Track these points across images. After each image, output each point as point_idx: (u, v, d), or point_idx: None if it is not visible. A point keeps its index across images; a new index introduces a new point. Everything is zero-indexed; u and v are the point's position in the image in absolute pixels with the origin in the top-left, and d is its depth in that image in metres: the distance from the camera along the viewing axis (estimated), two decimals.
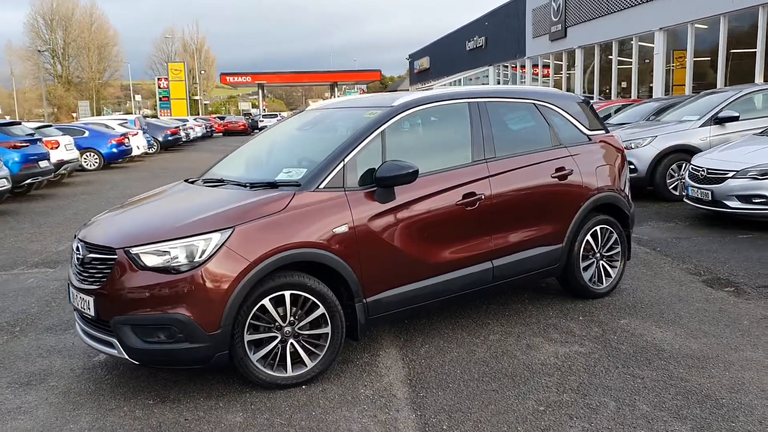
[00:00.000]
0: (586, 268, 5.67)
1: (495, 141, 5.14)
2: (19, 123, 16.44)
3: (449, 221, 4.78)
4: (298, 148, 5.30)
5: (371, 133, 4.64)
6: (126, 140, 22.37)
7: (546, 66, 32.10)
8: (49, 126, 18.80)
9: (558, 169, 5.39)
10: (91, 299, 4.14)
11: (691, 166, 9.25)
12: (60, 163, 16.62)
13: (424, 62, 56.86)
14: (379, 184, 4.44)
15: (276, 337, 4.16)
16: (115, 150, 21.51)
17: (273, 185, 4.47)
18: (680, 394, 3.93)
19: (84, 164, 21.21)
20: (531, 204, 5.24)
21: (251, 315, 4.06)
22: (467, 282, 4.91)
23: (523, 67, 34.32)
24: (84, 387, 4.37)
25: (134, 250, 3.97)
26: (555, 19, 29.23)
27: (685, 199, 9.28)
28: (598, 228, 5.68)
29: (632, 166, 10.79)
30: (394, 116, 4.78)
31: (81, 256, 4.28)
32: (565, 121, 5.67)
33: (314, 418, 3.81)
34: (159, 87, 64.75)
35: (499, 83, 38.67)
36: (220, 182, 4.85)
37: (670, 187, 10.89)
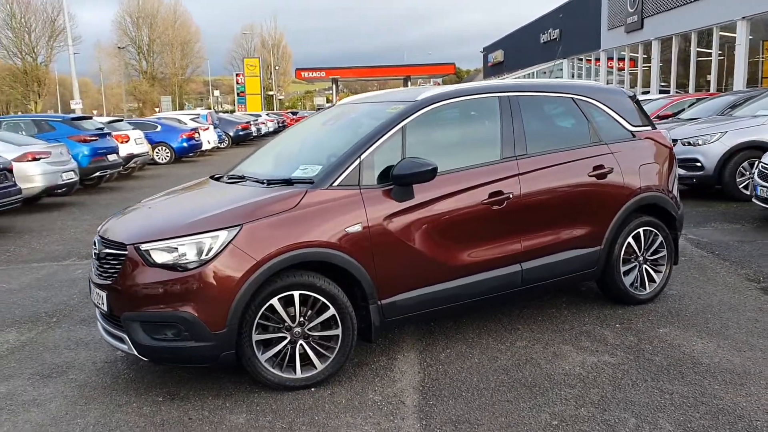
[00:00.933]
0: (626, 273, 5.36)
1: (527, 137, 4.90)
2: (90, 117, 17.04)
3: (473, 221, 4.58)
4: (320, 143, 5.18)
5: (391, 129, 4.49)
6: (196, 135, 22.87)
7: (621, 59, 31.03)
8: (121, 120, 19.42)
9: (596, 168, 5.09)
10: (104, 294, 4.15)
11: (761, 164, 8.67)
12: (129, 157, 17.12)
13: (498, 55, 56.04)
14: (396, 182, 4.29)
15: (285, 338, 4.07)
16: (185, 144, 22.02)
17: (288, 182, 4.38)
18: (710, 413, 3.63)
19: (156, 158, 21.82)
20: (565, 204, 4.97)
21: (260, 315, 3.98)
22: (492, 285, 4.70)
23: (597, 60, 33.30)
24: (101, 381, 4.40)
25: (144, 246, 3.95)
26: (631, 9, 28.21)
27: (753, 200, 8.71)
28: (641, 230, 5.35)
29: (699, 164, 10.30)
30: (417, 111, 4.61)
31: (98, 252, 4.30)
32: (607, 117, 5.36)
33: (316, 423, 3.70)
34: (237, 83, 66.17)
35: (573, 77, 37.72)
36: (240, 179, 4.79)
37: (740, 186, 10.26)
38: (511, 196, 4.67)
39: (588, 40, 33.65)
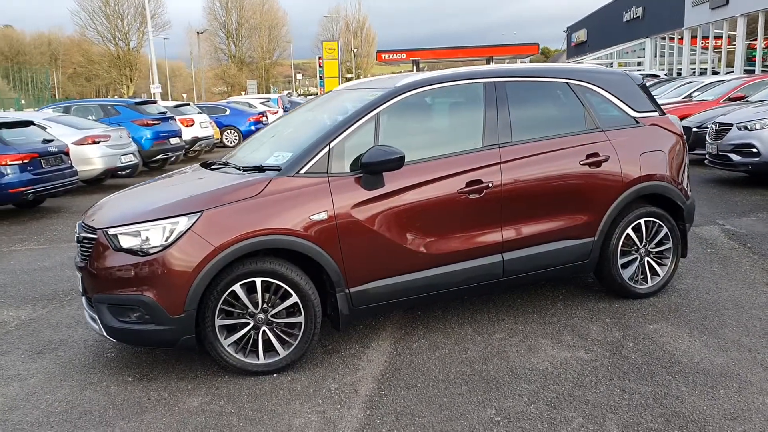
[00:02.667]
0: (625, 265, 5.15)
1: (513, 124, 4.76)
2: (154, 102, 17.65)
3: (449, 210, 4.50)
4: (300, 130, 5.19)
5: (363, 117, 4.46)
6: (264, 118, 23.31)
7: (705, 37, 29.53)
8: (187, 105, 20.01)
9: (590, 156, 4.90)
10: (80, 276, 4.33)
11: None
12: (194, 140, 17.65)
13: (581, 35, 54.37)
14: (365, 170, 4.26)
15: (248, 324, 4.13)
16: (252, 128, 22.46)
17: (260, 169, 4.42)
18: (663, 416, 3.47)
19: (225, 140, 22.41)
20: (553, 193, 4.81)
21: (222, 300, 4.05)
22: (470, 276, 4.61)
23: (681, 38, 31.81)
24: (84, 359, 4.60)
25: (111, 231, 4.09)
26: None
27: None
28: (642, 221, 5.12)
29: (755, 149, 9.72)
30: (392, 98, 4.56)
31: (77, 235, 4.47)
32: (607, 102, 5.14)
33: (265, 409, 3.75)
34: (319, 66, 66.86)
35: (656, 56, 36.19)
36: (224, 165, 4.87)
37: None
38: (490, 185, 4.56)
39: (672, 17, 32.16)
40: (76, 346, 4.82)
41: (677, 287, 5.46)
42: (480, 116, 4.74)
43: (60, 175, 10.61)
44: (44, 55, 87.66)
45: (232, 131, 22.59)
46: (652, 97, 5.39)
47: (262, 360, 4.16)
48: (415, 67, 69.28)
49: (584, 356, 4.24)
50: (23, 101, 53.81)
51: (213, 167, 4.91)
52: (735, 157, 9.95)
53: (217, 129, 20.93)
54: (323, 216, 4.17)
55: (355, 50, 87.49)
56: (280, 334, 4.19)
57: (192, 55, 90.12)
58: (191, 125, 17.56)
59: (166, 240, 3.96)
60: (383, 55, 67.36)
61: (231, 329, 4.14)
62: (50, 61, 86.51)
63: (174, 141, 15.67)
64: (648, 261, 5.22)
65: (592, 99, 5.08)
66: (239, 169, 4.57)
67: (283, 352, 4.18)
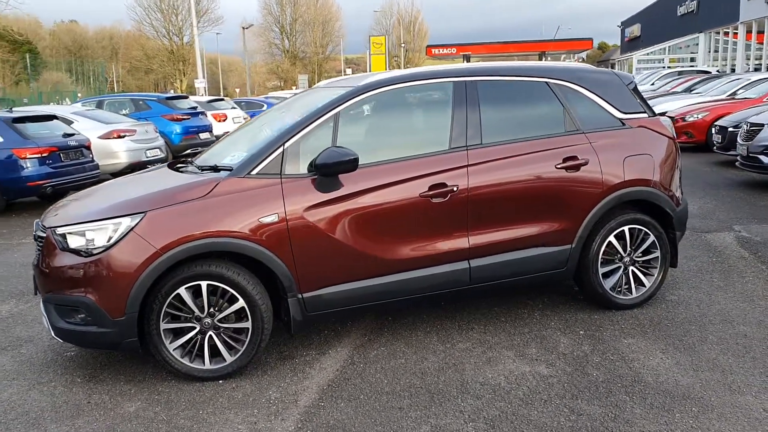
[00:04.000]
0: (608, 274, 4.89)
1: (483, 126, 4.56)
2: (186, 97, 17.80)
3: (409, 215, 4.33)
4: (265, 129, 5.07)
5: (321, 117, 4.32)
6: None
7: (761, 32, 28.34)
8: (222, 99, 20.16)
9: (567, 159, 4.65)
10: (33, 275, 4.31)
11: None
12: (226, 135, 17.74)
13: (634, 29, 52.93)
14: (318, 171, 4.13)
15: (195, 328, 4.05)
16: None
17: (215, 169, 4.33)
18: None
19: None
20: (525, 198, 4.58)
21: (167, 303, 3.97)
22: (434, 283, 4.44)
23: (735, 33, 30.63)
24: (43, 357, 4.59)
25: (59, 230, 4.05)
26: None
27: None
28: (626, 228, 4.85)
29: None
30: (352, 98, 4.40)
31: (34, 234, 4.46)
32: (589, 103, 4.88)
33: (197, 418, 3.66)
34: (369, 61, 66.83)
35: (710, 52, 34.95)
36: (187, 165, 4.80)
37: None
38: (455, 188, 4.37)
39: (726, 11, 30.99)
40: (40, 344, 4.82)
41: (667, 298, 5.17)
42: (447, 117, 4.54)
43: (80, 169, 10.77)
44: (105, 49, 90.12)
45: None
46: (643, 98, 5.10)
47: (207, 365, 4.08)
48: (465, 62, 68.71)
49: (544, 371, 4.03)
50: (80, 94, 55.29)
51: (177, 166, 4.84)
52: (765, 159, 9.46)
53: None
54: (273, 218, 4.05)
55: (404, 45, 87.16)
56: (227, 339, 4.09)
57: (246, 50, 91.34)
58: (224, 120, 17.69)
59: (108, 241, 3.90)
60: (433, 50, 67.07)
61: (178, 333, 4.06)
62: (111, 55, 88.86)
63: (204, 136, 15.79)
64: (633, 270, 4.95)
65: (573, 100, 4.83)
66: (199, 169, 4.49)
67: (229, 358, 4.08)
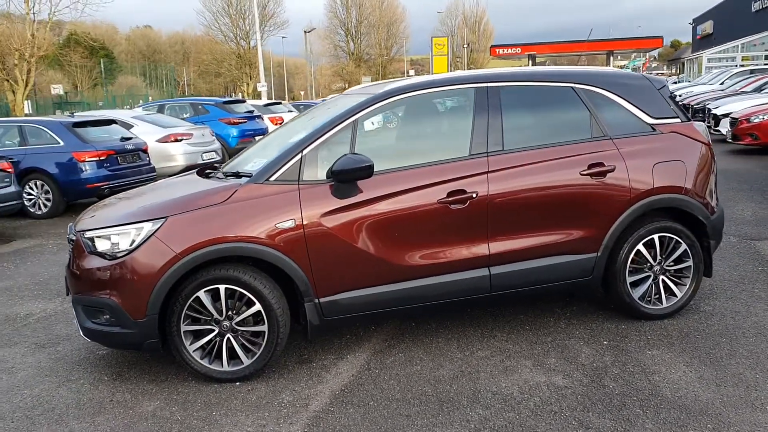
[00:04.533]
0: (636, 284, 4.77)
1: (505, 132, 4.51)
2: (244, 101, 18.15)
3: (427, 221, 4.32)
4: (289, 136, 5.14)
5: (340, 124, 4.37)
6: None
7: None
8: (279, 103, 20.49)
9: (592, 165, 4.56)
10: (65, 277, 4.50)
11: None
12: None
13: (707, 27, 51.22)
14: (335, 178, 4.17)
15: (213, 330, 4.15)
16: None
17: (238, 176, 4.43)
18: None
19: None
20: (548, 205, 4.51)
21: (187, 306, 4.08)
22: (453, 289, 4.42)
23: None
24: (77, 355, 4.78)
25: (88, 234, 4.21)
26: None
27: None
28: (656, 236, 4.73)
29: None
30: (371, 105, 4.44)
31: (67, 236, 4.65)
32: (617, 108, 4.77)
33: (209, 419, 3.75)
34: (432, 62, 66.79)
35: None
36: (215, 171, 4.92)
37: None
38: (475, 195, 4.35)
39: None
40: (76, 343, 5.01)
41: (701, 308, 5.01)
42: (468, 123, 4.52)
43: (136, 172, 11.14)
44: (178, 53, 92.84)
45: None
46: (676, 103, 4.96)
47: (225, 367, 4.17)
48: (530, 62, 67.85)
49: (559, 382, 3.97)
50: (150, 98, 57.08)
51: (206, 172, 4.96)
52: None
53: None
54: (290, 224, 4.11)
55: (466, 45, 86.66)
56: (245, 342, 4.18)
57: (312, 53, 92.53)
58: (281, 123, 17.96)
59: (131, 245, 4.03)
60: (497, 50, 66.56)
61: (198, 335, 4.17)
62: (183, 59, 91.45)
63: (259, 139, 16.05)
64: (663, 280, 4.81)
65: (600, 105, 4.73)
66: (224, 176, 4.60)
67: (246, 361, 4.17)
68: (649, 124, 4.79)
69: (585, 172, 4.55)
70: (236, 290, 4.10)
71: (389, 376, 4.17)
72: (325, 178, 4.24)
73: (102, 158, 10.54)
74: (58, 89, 53.70)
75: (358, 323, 4.94)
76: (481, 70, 5.15)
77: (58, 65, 66.12)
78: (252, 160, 4.77)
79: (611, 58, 65.90)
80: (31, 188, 10.57)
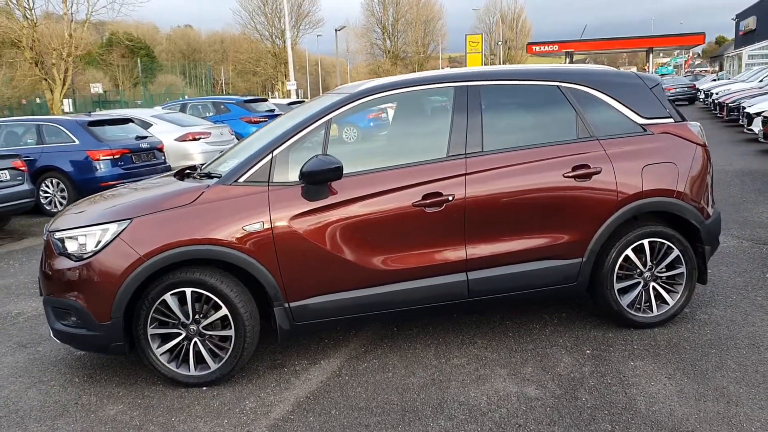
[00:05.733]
0: (625, 290, 4.59)
1: (485, 133, 4.37)
2: (265, 100, 18.18)
3: (401, 224, 4.20)
4: (267, 136, 5.04)
5: (312, 124, 4.29)
6: (383, 115, 23.36)
7: None
8: (303, 102, 20.45)
9: (577, 167, 4.39)
10: (38, 278, 4.49)
11: None
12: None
13: (749, 23, 49.81)
14: (304, 180, 4.08)
15: (180, 334, 4.09)
16: (371, 124, 22.62)
17: (210, 177, 4.36)
18: None
19: (344, 137, 22.71)
20: (529, 209, 4.35)
21: (154, 309, 4.03)
22: (429, 295, 4.29)
23: None
24: (55, 356, 4.77)
25: (57, 235, 4.19)
26: None
27: None
28: (645, 241, 4.53)
29: None
30: (344, 105, 4.34)
31: (43, 237, 4.63)
32: (606, 108, 4.58)
33: (167, 425, 3.68)
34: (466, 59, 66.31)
35: None
36: (192, 171, 4.86)
37: None
38: (451, 198, 4.21)
39: None
40: (57, 343, 4.97)
41: (696, 317, 4.79)
42: (447, 123, 4.38)
43: (151, 170, 11.19)
44: (217, 52, 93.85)
45: (352, 128, 22.84)
46: (669, 102, 4.74)
47: (192, 372, 4.11)
48: (567, 59, 66.90)
49: (531, 393, 3.81)
50: (185, 96, 57.77)
51: (185, 174, 4.90)
52: None
53: (335, 126, 21.21)
54: (258, 227, 4.03)
55: (500, 42, 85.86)
56: (212, 347, 4.11)
57: (347, 51, 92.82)
58: None
59: (96, 246, 3.99)
60: (534, 47, 65.78)
61: (166, 338, 4.11)
62: (221, 58, 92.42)
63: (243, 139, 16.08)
64: (654, 287, 4.62)
65: (587, 104, 4.55)
66: (200, 177, 4.53)
67: (213, 366, 4.10)
68: (640, 125, 4.60)
69: (569, 174, 4.37)
70: (203, 294, 4.03)
71: (358, 383, 4.06)
72: (296, 180, 4.15)
73: (116, 156, 10.62)
74: (97, 88, 54.63)
75: (339, 327, 4.85)
76: (464, 68, 5.00)
77: (99, 64, 67.42)
78: (229, 160, 4.69)
79: (650, 55, 64.62)
80: (47, 186, 10.70)
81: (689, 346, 4.33)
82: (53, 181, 10.67)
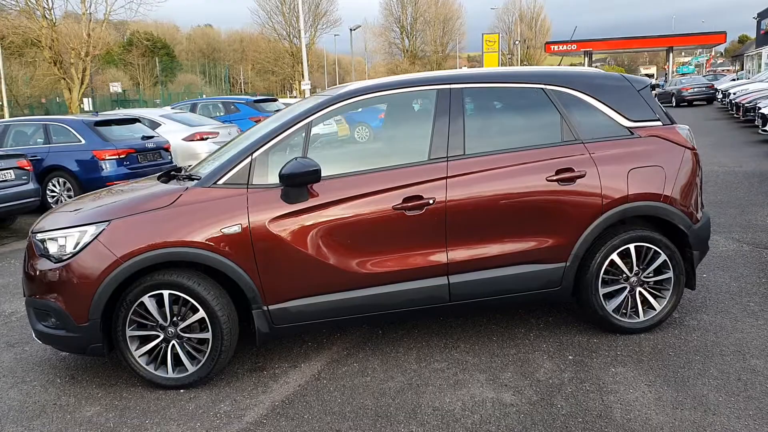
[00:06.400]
0: (611, 295, 4.53)
1: (467, 136, 4.33)
2: (275, 100, 18.22)
3: (381, 228, 4.18)
4: (249, 138, 5.03)
5: (293, 126, 4.29)
6: None
7: None
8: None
9: (560, 171, 4.34)
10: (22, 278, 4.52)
11: None
12: (315, 137, 18.04)
13: None
14: (283, 182, 4.07)
15: (159, 336, 4.10)
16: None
17: (191, 179, 4.37)
18: None
19: (356, 137, 22.73)
20: (511, 213, 4.31)
21: (132, 311, 4.04)
22: (410, 298, 4.26)
23: None
24: (42, 356, 4.80)
25: (38, 236, 4.21)
26: None
27: None
28: (631, 246, 4.47)
29: None
30: (325, 108, 4.33)
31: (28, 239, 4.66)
32: (592, 110, 4.53)
33: (140, 428, 3.68)
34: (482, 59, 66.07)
35: None
36: (177, 173, 4.86)
37: None
38: (431, 201, 4.18)
39: None
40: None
41: (685, 323, 4.72)
42: (429, 126, 4.35)
43: (158, 170, 11.21)
44: (236, 52, 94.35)
45: (363, 127, 22.84)
46: (658, 105, 4.68)
47: (171, 374, 4.11)
48: (586, 59, 66.42)
49: (507, 399, 3.77)
50: (203, 95, 58.12)
51: (171, 175, 4.89)
52: None
53: (347, 125, 21.25)
54: (236, 229, 4.02)
55: (517, 42, 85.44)
56: (191, 349, 4.11)
57: (366, 50, 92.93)
58: None
59: (75, 248, 4.01)
60: (552, 47, 65.40)
61: (145, 340, 4.12)
62: (241, 57, 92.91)
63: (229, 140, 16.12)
64: (641, 292, 4.55)
65: (573, 107, 4.50)
66: (182, 179, 4.53)
67: (191, 368, 4.10)
68: (627, 128, 4.54)
69: (552, 178, 4.33)
70: (180, 296, 4.03)
71: (335, 387, 4.04)
72: (276, 182, 4.14)
73: (122, 156, 10.69)
74: (116, 87, 55.14)
75: (324, 330, 4.85)
76: (447, 71, 4.96)
77: (119, 64, 68.06)
78: (213, 162, 4.69)
79: (671, 54, 63.98)
80: (53, 185, 10.79)
81: (674, 352, 4.27)
82: (60, 180, 10.76)
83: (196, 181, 4.20)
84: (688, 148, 4.61)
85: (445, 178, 4.23)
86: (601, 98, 4.55)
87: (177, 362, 4.13)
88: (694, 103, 34.65)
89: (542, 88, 4.51)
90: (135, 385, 4.20)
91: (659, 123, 4.61)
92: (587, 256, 4.44)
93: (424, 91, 4.47)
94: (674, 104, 34.75)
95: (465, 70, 4.74)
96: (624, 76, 4.79)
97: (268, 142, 4.22)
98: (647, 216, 4.53)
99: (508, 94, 4.57)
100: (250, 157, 4.17)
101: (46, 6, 34.49)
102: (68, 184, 10.72)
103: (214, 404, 3.91)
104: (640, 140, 4.52)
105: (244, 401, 3.93)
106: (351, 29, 56.41)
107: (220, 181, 4.14)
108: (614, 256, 4.47)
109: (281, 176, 4.03)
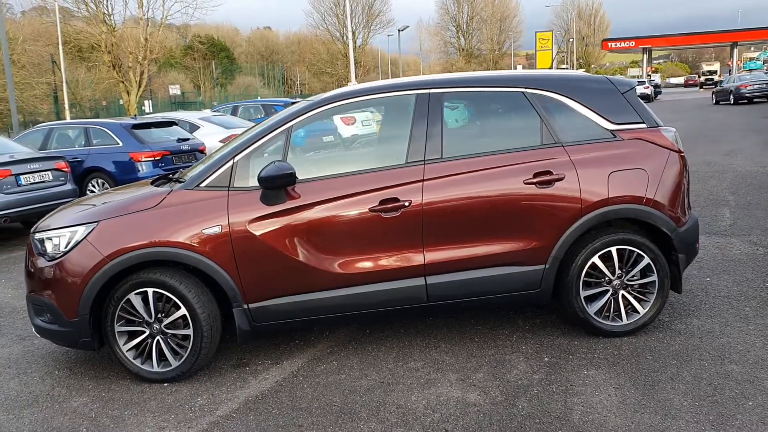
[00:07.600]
0: (592, 298, 4.53)
1: (445, 139, 4.40)
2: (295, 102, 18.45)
3: (358, 229, 4.28)
4: (235, 142, 5.19)
5: (274, 131, 4.43)
6: None
7: None
8: None
9: (538, 174, 4.36)
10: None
11: None
12: (353, 138, 18.24)
13: None
14: (261, 185, 4.22)
15: (144, 332, 4.30)
16: None
17: (179, 182, 4.56)
18: None
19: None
20: (488, 215, 4.35)
21: (120, 308, 4.25)
22: (388, 298, 4.36)
23: None
24: (48, 348, 5.07)
25: (37, 236, 4.47)
26: None
27: None
28: (613, 249, 4.46)
29: None
30: (306, 113, 4.45)
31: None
32: (572, 113, 4.53)
33: (119, 419, 3.87)
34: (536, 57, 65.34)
35: None
36: (172, 174, 5.07)
37: None
38: (408, 204, 4.27)
39: None
40: None
41: (672, 326, 4.69)
42: (407, 130, 4.44)
43: None
44: (294, 53, 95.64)
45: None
46: (642, 107, 4.65)
47: (155, 368, 4.31)
48: (645, 56, 64.98)
49: (471, 399, 3.83)
50: (258, 96, 59.13)
51: (156, 182, 5.06)
52: None
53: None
54: (217, 230, 4.19)
55: (571, 39, 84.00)
56: (174, 345, 4.30)
57: (421, 50, 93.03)
58: (351, 123, 18.12)
59: (66, 247, 4.24)
60: (609, 44, 64.24)
61: (132, 335, 4.33)
62: (298, 59, 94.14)
63: (327, 139, 16.29)
64: (624, 295, 4.54)
65: (553, 110, 4.51)
66: (173, 182, 4.73)
67: (174, 363, 4.29)
68: (610, 130, 4.53)
69: (529, 181, 4.35)
70: (164, 294, 4.22)
71: (309, 384, 4.17)
72: (256, 185, 4.29)
73: (157, 158, 11.06)
74: (175, 89, 56.56)
75: (315, 328, 4.98)
76: (429, 75, 5.03)
77: (178, 67, 69.80)
78: (200, 166, 4.87)
79: (734, 49, 62.04)
80: (93, 186, 11.24)
81: (652, 356, 4.25)
82: (99, 181, 11.20)
83: (180, 184, 4.38)
84: (674, 150, 4.57)
85: (422, 180, 4.31)
86: (582, 101, 4.55)
87: (162, 357, 4.32)
88: (755, 100, 33.54)
89: (522, 92, 4.54)
90: (124, 378, 4.41)
91: (644, 125, 4.58)
92: (567, 259, 4.45)
93: (403, 96, 4.55)
94: (732, 102, 33.71)
95: (446, 75, 4.79)
96: (608, 78, 4.77)
97: (250, 146, 4.38)
98: (629, 219, 4.50)
99: (488, 97, 4.61)
100: (232, 161, 4.34)
101: (106, 12, 35.68)
102: (106, 185, 11.15)
103: (192, 398, 4.08)
104: (622, 143, 4.50)
105: (221, 396, 4.09)
106: (399, 30, 56.56)
107: (203, 184, 4.31)
108: (595, 259, 4.47)
109: (259, 179, 4.18)
